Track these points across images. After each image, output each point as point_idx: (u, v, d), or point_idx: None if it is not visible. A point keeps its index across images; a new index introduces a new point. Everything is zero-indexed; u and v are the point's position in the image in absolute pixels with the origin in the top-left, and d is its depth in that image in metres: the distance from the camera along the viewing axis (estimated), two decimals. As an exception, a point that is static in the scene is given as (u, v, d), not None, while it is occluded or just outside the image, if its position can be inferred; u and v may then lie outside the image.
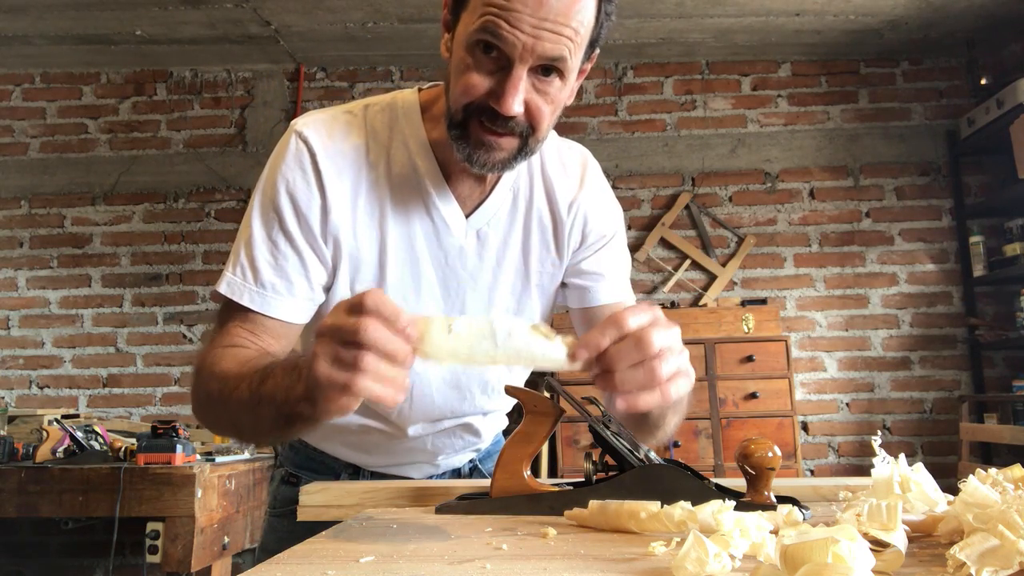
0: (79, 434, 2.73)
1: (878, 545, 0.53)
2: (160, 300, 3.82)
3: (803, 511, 0.72)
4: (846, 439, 3.64)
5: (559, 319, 1.13)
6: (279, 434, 0.84)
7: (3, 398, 3.76)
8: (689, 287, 3.75)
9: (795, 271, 3.75)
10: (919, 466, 0.68)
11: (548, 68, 0.87)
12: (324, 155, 0.99)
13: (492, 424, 1.21)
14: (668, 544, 0.60)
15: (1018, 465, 0.70)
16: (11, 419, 2.83)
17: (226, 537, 2.61)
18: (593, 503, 0.72)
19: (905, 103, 3.85)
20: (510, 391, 0.86)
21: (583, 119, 3.89)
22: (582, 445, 3.14)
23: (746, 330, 3.35)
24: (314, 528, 0.83)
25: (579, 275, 1.12)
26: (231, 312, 0.98)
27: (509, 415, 1.27)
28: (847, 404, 3.67)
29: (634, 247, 3.75)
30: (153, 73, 3.99)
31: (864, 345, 3.69)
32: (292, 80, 3.95)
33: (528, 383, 0.94)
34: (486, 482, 0.92)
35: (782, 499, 0.77)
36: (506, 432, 1.31)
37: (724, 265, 3.74)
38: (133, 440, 2.61)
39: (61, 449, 2.66)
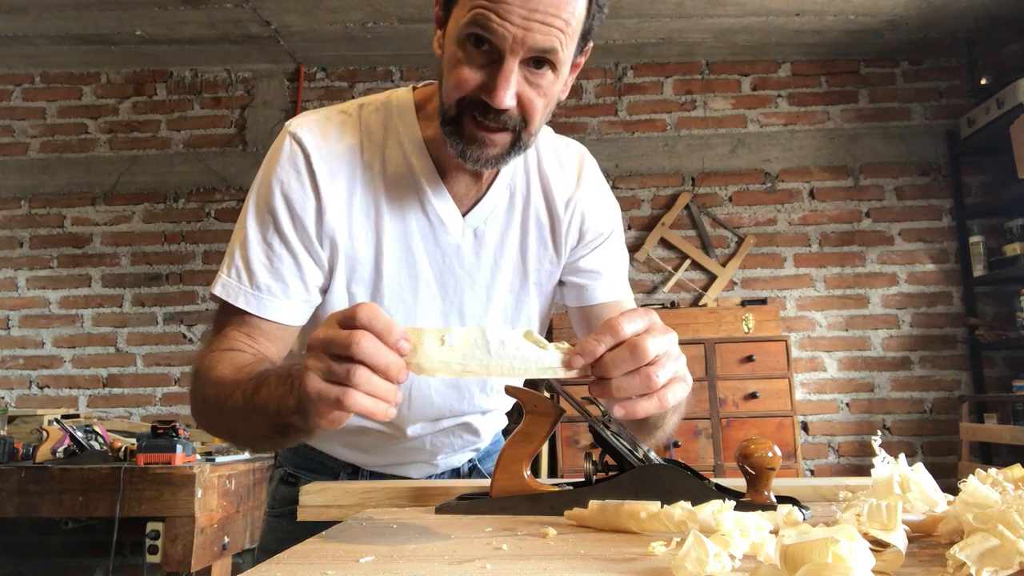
0: (79, 434, 2.73)
1: (878, 545, 0.53)
2: (160, 300, 3.82)
3: (803, 511, 0.72)
4: (846, 439, 3.64)
5: (559, 319, 1.13)
6: (273, 442, 0.83)
7: (3, 398, 3.76)
8: (689, 287, 3.75)
9: (795, 271, 3.76)
10: (919, 466, 0.68)
11: (540, 60, 0.87)
12: (318, 156, 0.98)
13: (491, 423, 1.21)
14: (668, 544, 0.60)
15: (1018, 465, 0.70)
16: (11, 419, 2.82)
17: (226, 537, 2.61)
18: (593, 503, 0.72)
19: (905, 103, 3.85)
20: (510, 391, 0.86)
21: (583, 119, 3.89)
22: (582, 445, 3.14)
23: (746, 330, 3.35)
24: (313, 528, 0.83)
25: (577, 273, 1.12)
26: (227, 315, 0.98)
27: (509, 415, 1.27)
28: (847, 404, 3.67)
29: (634, 247, 3.75)
30: (153, 73, 3.99)
31: (864, 345, 3.69)
32: (292, 80, 3.95)
33: (528, 383, 0.94)
34: (486, 482, 0.92)
35: (782, 499, 0.77)
36: (506, 432, 1.30)
37: (724, 265, 3.74)
38: (133, 440, 2.61)
39: (61, 449, 2.66)
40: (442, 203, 1.02)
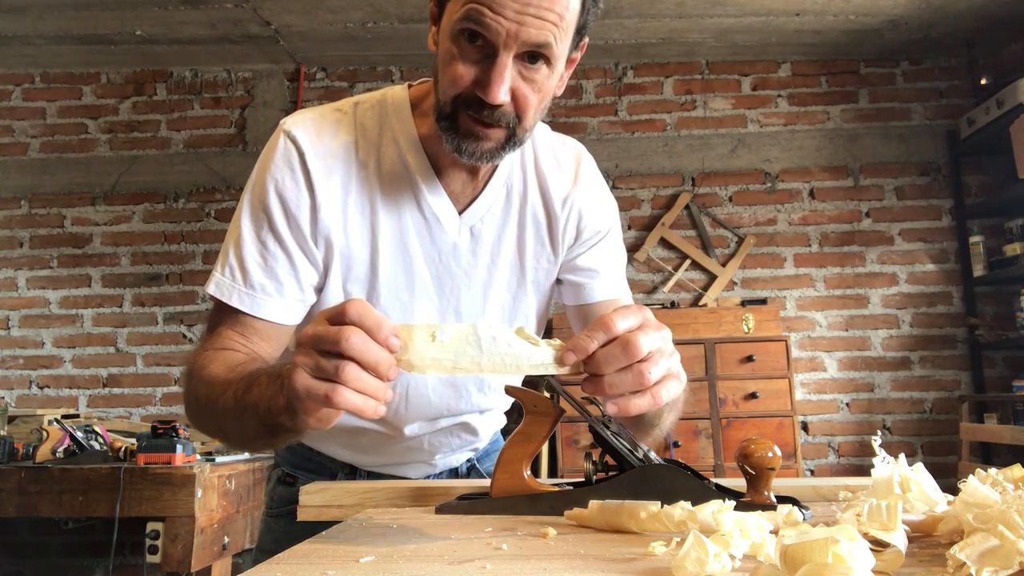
0: (79, 434, 2.73)
1: (878, 545, 0.53)
2: (160, 300, 3.82)
3: (803, 511, 0.72)
4: (846, 439, 3.64)
5: (559, 319, 1.13)
6: (264, 443, 0.83)
7: (3, 398, 3.76)
8: (689, 287, 3.75)
9: (795, 271, 3.76)
10: (919, 466, 0.68)
11: (534, 55, 0.86)
12: (313, 154, 0.98)
13: (489, 423, 1.20)
14: (668, 544, 0.60)
15: (1018, 465, 0.70)
16: (11, 419, 2.82)
17: (226, 537, 2.61)
18: (593, 503, 0.72)
19: (905, 103, 3.85)
20: (510, 391, 0.86)
21: (583, 119, 3.89)
22: (582, 445, 3.14)
23: (746, 330, 3.35)
24: (311, 528, 0.83)
25: (574, 271, 1.11)
26: (221, 314, 0.98)
27: (508, 414, 1.26)
28: (847, 404, 3.67)
29: (634, 247, 3.75)
30: (153, 73, 3.99)
31: (864, 345, 3.69)
32: (292, 80, 3.95)
33: (528, 383, 0.94)
34: (486, 482, 0.92)
35: (782, 499, 0.77)
36: (504, 431, 1.30)
37: (724, 265, 3.74)
38: (133, 440, 2.61)
39: (61, 449, 2.66)
40: (438, 201, 1.01)
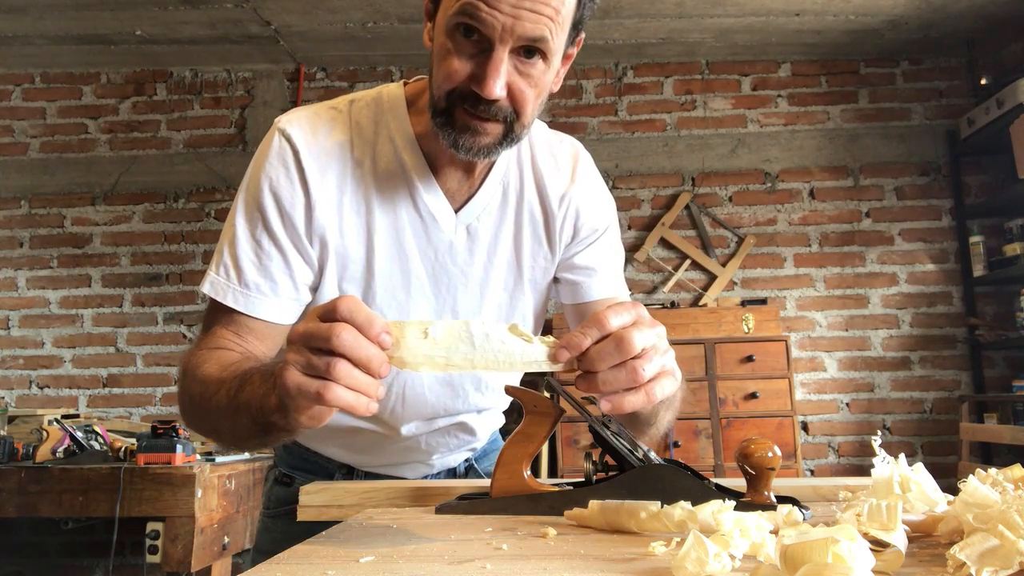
0: (79, 434, 2.73)
1: (878, 545, 0.53)
2: (160, 300, 3.82)
3: (803, 511, 0.72)
4: (846, 439, 3.64)
5: (560, 320, 1.13)
6: (258, 442, 0.82)
7: (3, 398, 3.76)
8: (689, 287, 3.75)
9: (795, 271, 3.76)
10: (919, 466, 0.68)
11: (530, 50, 0.86)
12: (308, 153, 0.97)
13: (487, 422, 1.20)
14: (668, 544, 0.60)
15: (1018, 465, 0.70)
16: (11, 419, 2.82)
17: (226, 537, 2.61)
18: (593, 503, 0.72)
19: (905, 103, 3.85)
20: (510, 391, 0.86)
21: (583, 119, 3.89)
22: (582, 445, 3.14)
23: (746, 330, 3.35)
24: (309, 528, 0.83)
25: (571, 270, 1.10)
26: (216, 313, 0.97)
27: (508, 414, 1.26)
28: (847, 404, 3.67)
29: (634, 247, 3.75)
30: (153, 73, 3.99)
31: (864, 345, 3.69)
32: (292, 80, 3.95)
33: (528, 383, 0.94)
34: (486, 482, 0.92)
35: (782, 499, 0.77)
36: (504, 431, 1.30)
37: (724, 265, 3.74)
38: (133, 440, 2.61)
39: (61, 449, 2.66)
40: (434, 199, 1.01)
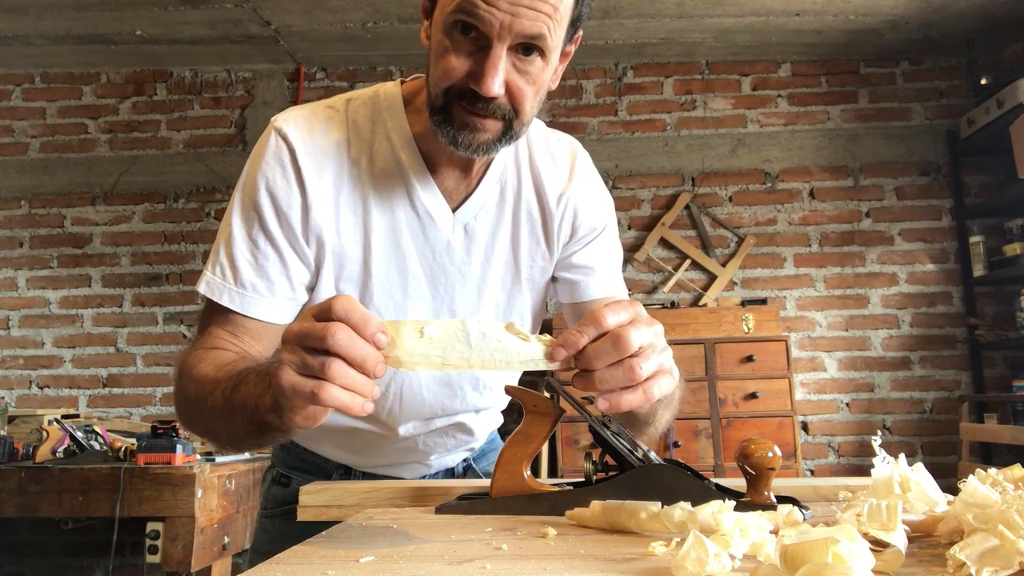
0: (79, 434, 2.73)
1: (878, 545, 0.53)
2: (160, 300, 3.82)
3: (803, 511, 0.72)
4: (846, 439, 3.64)
5: (560, 320, 1.13)
6: (253, 442, 0.81)
7: (3, 398, 3.76)
8: (689, 287, 3.75)
9: (795, 271, 3.76)
10: (919, 466, 0.68)
11: (528, 47, 0.85)
12: (304, 152, 0.97)
13: (485, 422, 1.20)
14: (668, 544, 0.60)
15: (1018, 465, 0.70)
16: (11, 419, 2.83)
17: (226, 537, 2.61)
18: (595, 503, 0.72)
19: (905, 103, 3.85)
20: (510, 391, 0.86)
21: (583, 119, 3.89)
22: (582, 445, 3.14)
23: (746, 330, 3.35)
24: (306, 528, 0.83)
25: (569, 269, 1.10)
26: (212, 313, 0.97)
27: (508, 414, 1.26)
28: (847, 404, 3.67)
29: (634, 247, 3.75)
30: (153, 73, 3.99)
31: (864, 345, 3.69)
32: (292, 80, 3.95)
33: (528, 383, 0.93)
34: (486, 482, 0.92)
35: (782, 499, 0.77)
36: (504, 431, 1.30)
37: (724, 265, 3.74)
38: (133, 440, 2.61)
39: (61, 449, 2.66)
40: (431, 198, 1.00)
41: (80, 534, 3.41)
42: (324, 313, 0.63)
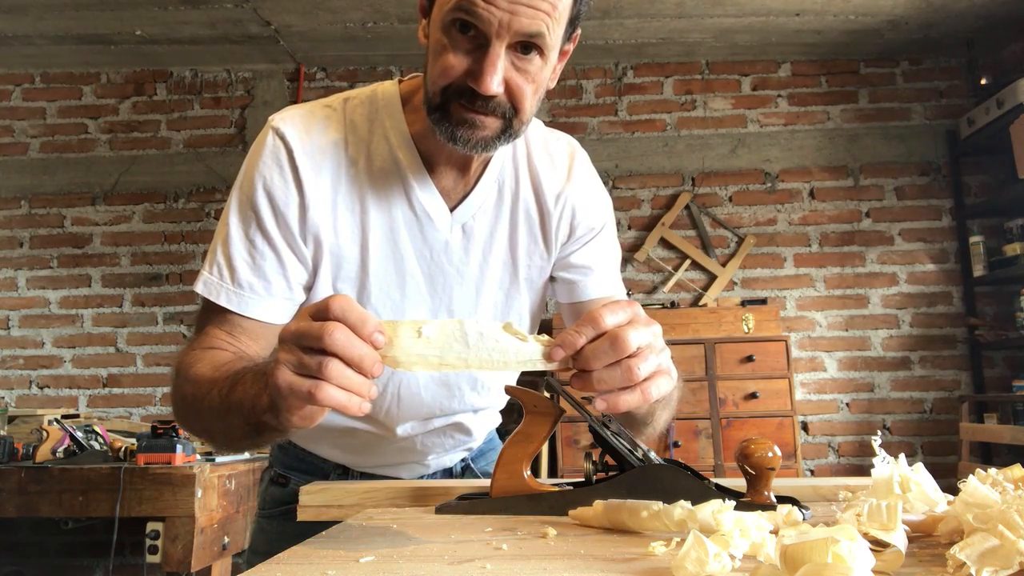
0: (79, 434, 2.73)
1: (878, 545, 0.53)
2: (160, 300, 3.82)
3: (803, 511, 0.72)
4: (846, 439, 3.64)
5: (559, 320, 1.12)
6: (250, 443, 0.81)
7: (3, 398, 3.76)
8: (689, 287, 3.75)
9: (795, 271, 3.76)
10: (919, 466, 0.68)
11: (527, 45, 0.85)
12: (301, 151, 0.97)
13: (484, 422, 1.19)
14: (668, 544, 0.60)
15: (1018, 465, 0.70)
16: (11, 419, 2.83)
17: (226, 537, 2.61)
18: (598, 503, 0.72)
19: (905, 103, 3.85)
20: (510, 391, 0.86)
21: (583, 119, 3.89)
22: (582, 445, 3.14)
23: (746, 330, 3.35)
24: (304, 528, 0.83)
25: (568, 269, 1.10)
26: (209, 313, 0.97)
27: (508, 414, 1.26)
28: (847, 404, 3.67)
29: (634, 247, 3.75)
30: (153, 73, 3.99)
31: (864, 345, 3.69)
32: (292, 80, 3.95)
33: (528, 383, 0.93)
34: (486, 482, 0.92)
35: (782, 499, 0.77)
36: (504, 431, 1.29)
37: (724, 265, 3.74)
38: (133, 440, 2.61)
39: (61, 449, 2.66)
40: (429, 197, 1.00)
41: (80, 534, 3.41)
42: (321, 312, 0.63)
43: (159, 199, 3.89)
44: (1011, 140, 3.28)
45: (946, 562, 0.50)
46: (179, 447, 2.46)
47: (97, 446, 2.73)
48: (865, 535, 0.53)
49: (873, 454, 0.67)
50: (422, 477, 1.19)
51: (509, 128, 0.90)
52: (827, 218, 3.79)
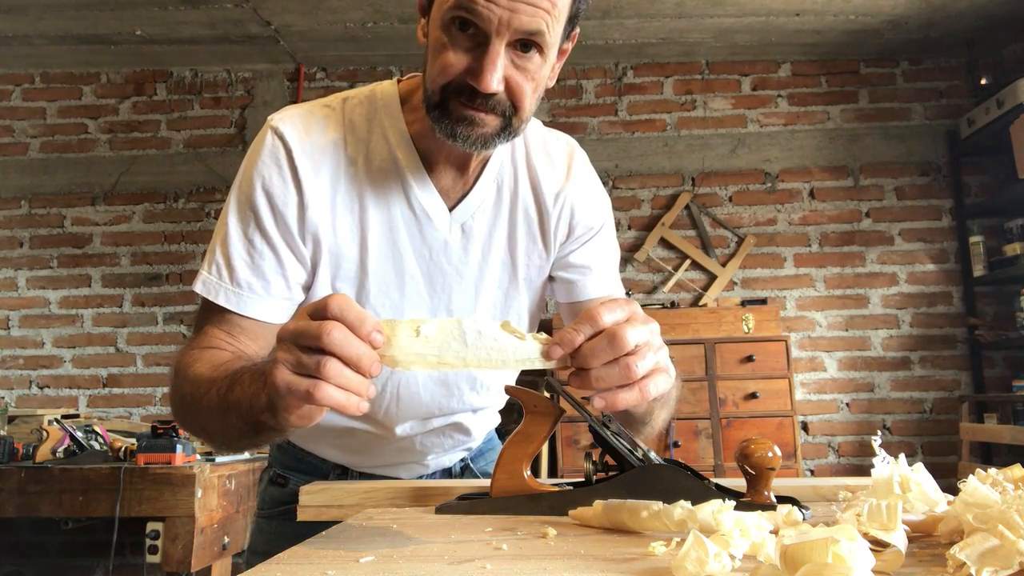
0: (79, 434, 2.73)
1: (878, 545, 0.53)
2: (160, 300, 3.82)
3: (803, 511, 0.72)
4: (846, 439, 3.64)
5: (559, 321, 1.12)
6: (248, 442, 0.81)
7: (3, 398, 3.76)
8: (689, 287, 3.75)
9: (795, 271, 3.76)
10: (919, 466, 0.68)
11: (527, 43, 0.85)
12: (300, 151, 0.96)
13: (483, 422, 1.19)
14: (668, 544, 0.60)
15: (1018, 465, 0.70)
16: (11, 419, 2.82)
17: (226, 537, 2.61)
18: (598, 503, 0.72)
19: (905, 103, 3.85)
20: (510, 391, 0.86)
21: (583, 119, 3.89)
22: (582, 445, 3.14)
23: (746, 330, 3.35)
24: (302, 529, 0.82)
25: (566, 268, 1.10)
26: (208, 312, 0.97)
27: (508, 414, 1.26)
28: (847, 404, 3.67)
29: (634, 247, 3.75)
30: (153, 73, 3.99)
31: (864, 345, 3.69)
32: (292, 80, 3.95)
33: (528, 383, 0.93)
34: (486, 482, 0.92)
35: (782, 499, 0.77)
36: (504, 431, 1.29)
37: (724, 265, 3.74)
38: (133, 440, 2.61)
39: (61, 449, 2.66)
40: (428, 197, 1.00)
41: (80, 534, 3.41)
42: (320, 312, 0.63)
43: (159, 199, 3.89)
44: (1011, 140, 3.28)
45: (946, 562, 0.50)
46: (179, 447, 2.46)
47: (97, 446, 2.73)
48: (865, 535, 0.53)
49: (873, 454, 0.67)
50: (421, 477, 1.18)
51: (508, 126, 0.90)
52: (827, 218, 3.79)
